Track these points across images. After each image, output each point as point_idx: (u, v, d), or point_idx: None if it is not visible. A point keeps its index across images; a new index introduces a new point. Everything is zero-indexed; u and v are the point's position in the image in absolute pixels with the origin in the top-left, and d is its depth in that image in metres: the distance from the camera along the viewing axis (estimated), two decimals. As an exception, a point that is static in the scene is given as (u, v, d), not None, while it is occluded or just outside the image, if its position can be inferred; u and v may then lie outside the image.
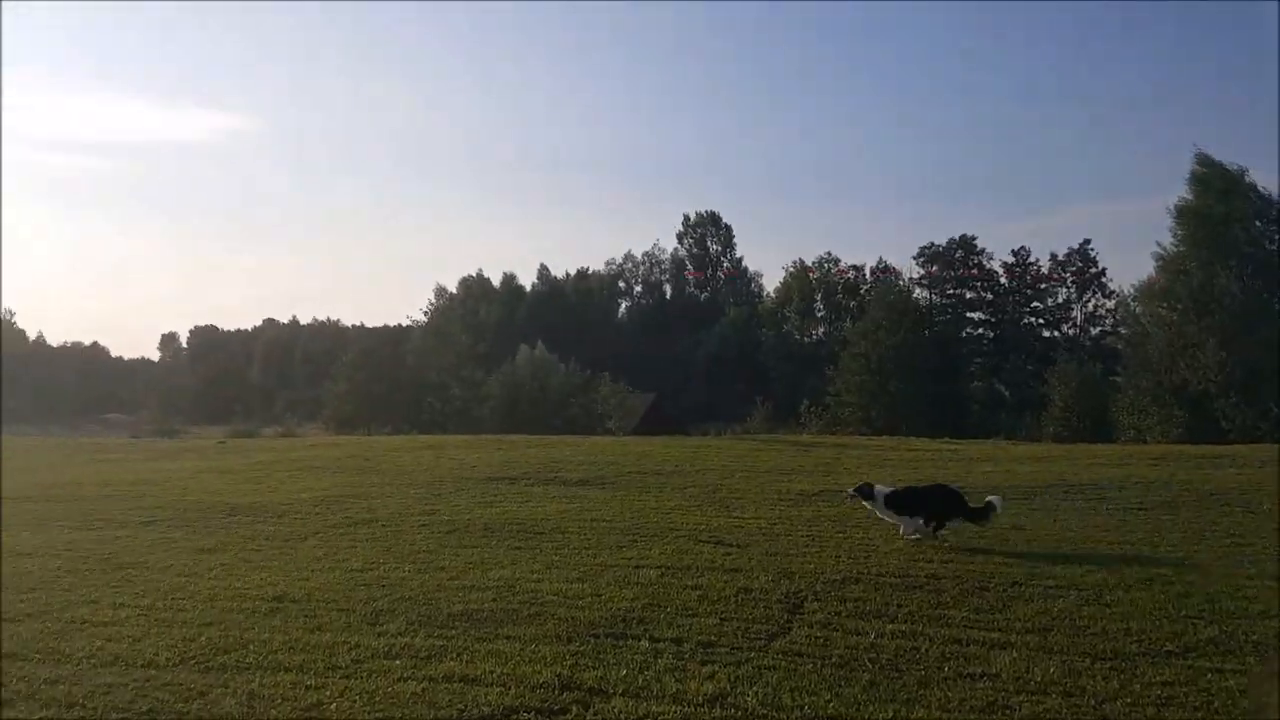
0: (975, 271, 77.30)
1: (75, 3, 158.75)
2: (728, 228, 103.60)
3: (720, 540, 10.42)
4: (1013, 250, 76.92)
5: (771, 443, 23.78)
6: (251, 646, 6.58)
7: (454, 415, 69.37)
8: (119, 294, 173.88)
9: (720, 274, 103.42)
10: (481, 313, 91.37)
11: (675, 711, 5.30)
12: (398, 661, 6.22)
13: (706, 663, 6.11)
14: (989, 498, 10.22)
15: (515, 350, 71.27)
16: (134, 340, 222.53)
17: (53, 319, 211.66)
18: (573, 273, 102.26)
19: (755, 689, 5.60)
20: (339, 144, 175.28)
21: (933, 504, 10.18)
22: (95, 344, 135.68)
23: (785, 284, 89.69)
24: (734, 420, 54.92)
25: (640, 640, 6.61)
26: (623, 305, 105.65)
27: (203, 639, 6.77)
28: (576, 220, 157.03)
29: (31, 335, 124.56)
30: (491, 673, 5.94)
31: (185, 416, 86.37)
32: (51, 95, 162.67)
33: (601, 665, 6.07)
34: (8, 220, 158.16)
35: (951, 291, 77.77)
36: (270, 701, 5.49)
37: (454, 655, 6.33)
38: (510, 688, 5.68)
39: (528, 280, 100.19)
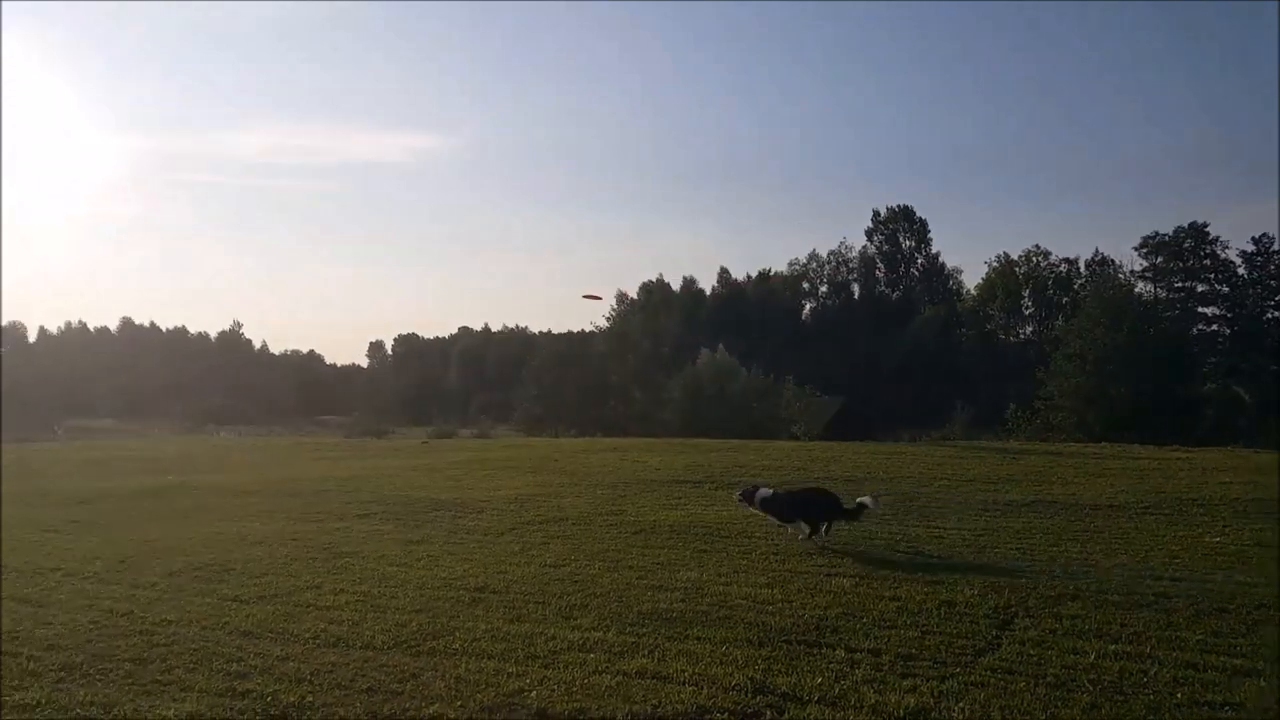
0: (1208, 262, 70.71)
1: (283, 44, 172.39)
2: (922, 222, 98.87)
3: (919, 551, 10.06)
4: (1253, 237, 70.06)
5: (974, 450, 22.60)
6: (457, 633, 6.94)
7: (636, 419, 70.49)
8: (332, 306, 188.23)
9: (914, 271, 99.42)
10: (662, 317, 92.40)
11: (874, 723, 5.17)
12: (592, 655, 6.39)
13: (907, 675, 5.91)
14: (860, 498, 10.40)
15: (696, 354, 71.52)
16: (346, 349, 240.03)
17: (274, 330, 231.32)
18: (754, 274, 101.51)
19: (961, 705, 5.37)
20: (523, 158, 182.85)
21: (810, 508, 10.42)
22: (311, 352, 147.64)
23: (988, 280, 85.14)
24: (929, 426, 52.54)
25: (835, 649, 6.48)
26: (807, 306, 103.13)
27: (413, 625, 7.20)
28: (757, 221, 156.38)
29: (256, 345, 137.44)
30: (683, 672, 6.00)
31: (391, 418, 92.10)
32: (274, 125, 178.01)
33: (795, 671, 5.99)
34: (240, 243, 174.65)
35: (1180, 285, 71.56)
36: (476, 686, 5.77)
37: (645, 652, 6.44)
38: (702, 688, 5.71)
39: (708, 284, 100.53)
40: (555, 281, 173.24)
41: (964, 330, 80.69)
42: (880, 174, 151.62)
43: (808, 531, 10.34)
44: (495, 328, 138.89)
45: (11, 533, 11.76)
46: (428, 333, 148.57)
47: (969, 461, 18.95)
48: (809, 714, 5.31)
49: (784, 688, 5.69)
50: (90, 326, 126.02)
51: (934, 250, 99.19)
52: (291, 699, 5.54)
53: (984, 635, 6.78)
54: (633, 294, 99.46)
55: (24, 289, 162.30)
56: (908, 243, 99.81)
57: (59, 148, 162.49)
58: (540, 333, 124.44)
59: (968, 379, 71.45)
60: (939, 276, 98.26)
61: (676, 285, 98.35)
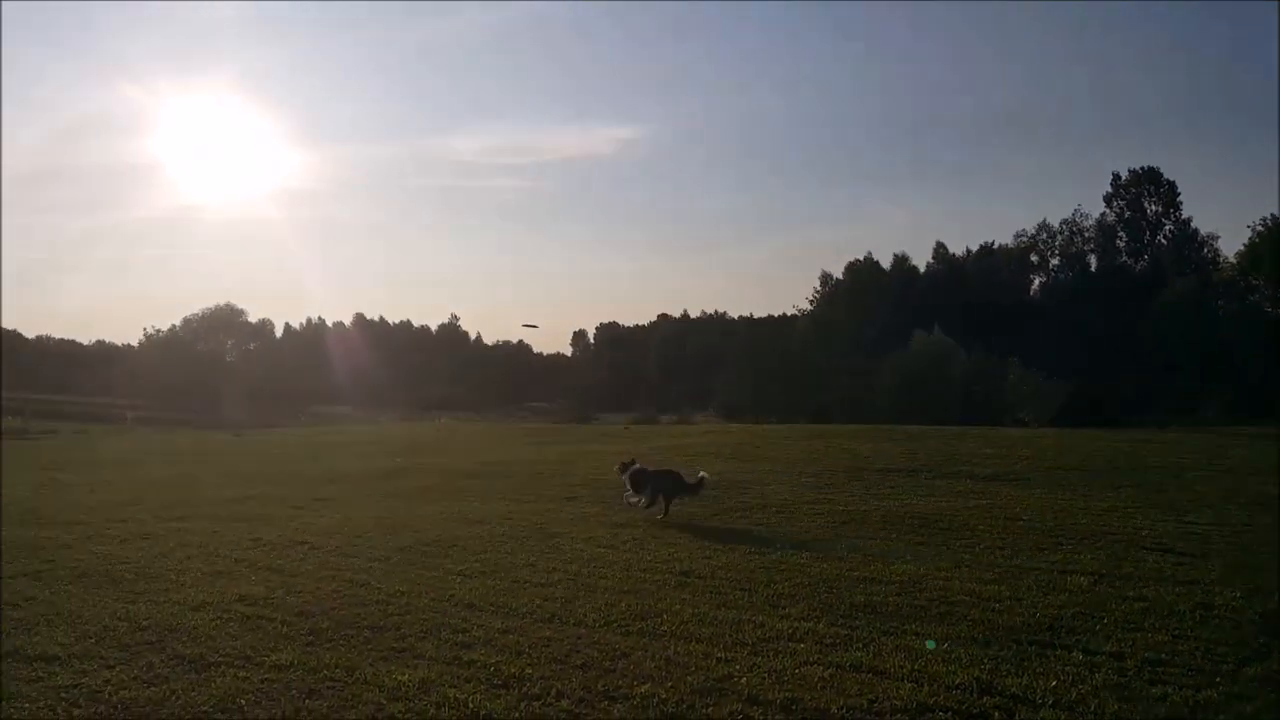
0: None
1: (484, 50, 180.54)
2: (1170, 185, 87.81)
3: (1169, 548, 9.24)
4: None
5: (1234, 436, 20.38)
6: (665, 616, 7.02)
7: (841, 404, 68.65)
8: (539, 297, 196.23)
9: (1161, 239, 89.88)
10: (871, 297, 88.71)
11: (1117, 731, 4.78)
12: (802, 645, 6.28)
13: (1156, 683, 5.44)
14: (700, 473, 12.02)
15: (909, 336, 68.62)
16: (552, 338, 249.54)
17: (489, 323, 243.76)
18: (974, 249, 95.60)
19: (1222, 718, 4.86)
20: (722, 143, 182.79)
21: (658, 483, 11.83)
22: (520, 342, 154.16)
23: (1250, 246, 75.71)
24: (1180, 411, 47.67)
25: (1071, 651, 6.05)
26: (1035, 281, 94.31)
27: (622, 605, 7.35)
28: (978, 192, 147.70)
29: (472, 337, 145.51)
30: (901, 668, 5.79)
31: (595, 404, 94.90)
32: (489, 128, 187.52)
33: (1027, 673, 5.64)
34: (458, 241, 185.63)
35: None
36: (685, 668, 5.80)
37: (859, 645, 6.26)
38: (922, 685, 5.48)
39: (921, 261, 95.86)
40: (756, 266, 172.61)
41: (1222, 304, 72.35)
42: (1119, 132, 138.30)
43: (646, 503, 11.81)
44: (694, 314, 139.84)
45: (267, 508, 12.99)
46: (628, 321, 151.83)
47: (1233, 449, 17.11)
48: (1042, 718, 4.98)
49: (1014, 689, 5.37)
50: (328, 322, 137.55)
51: (1184, 215, 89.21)
52: (513, 670, 5.77)
53: (1250, 643, 6.12)
54: (838, 274, 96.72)
55: (272, 290, 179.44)
56: (1153, 208, 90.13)
57: (294, 160, 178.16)
58: (740, 318, 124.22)
59: (1227, 358, 64.03)
60: (1191, 244, 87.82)
61: (886, 263, 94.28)
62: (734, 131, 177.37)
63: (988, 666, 5.78)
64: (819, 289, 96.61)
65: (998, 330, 69.43)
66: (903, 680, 5.57)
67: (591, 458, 19.69)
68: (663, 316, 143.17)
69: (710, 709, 5.13)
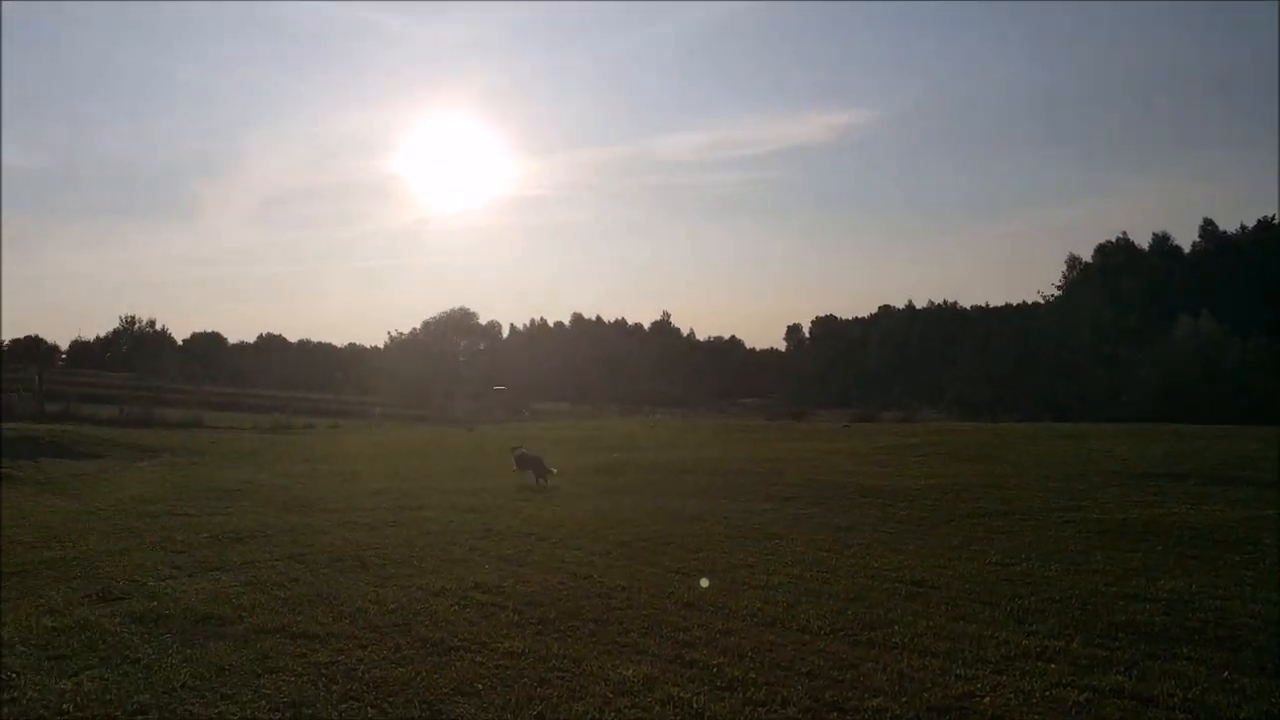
0: None
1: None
2: None
3: None
4: None
5: None
6: (896, 627, 6.65)
7: (1095, 400, 63.14)
8: (752, 291, 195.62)
9: None
10: (1125, 281, 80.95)
11: None
12: (1053, 665, 5.75)
13: None
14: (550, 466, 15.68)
15: (1171, 324, 62.24)
16: (765, 332, 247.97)
17: (701, 319, 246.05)
18: (1250, 224, 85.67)
19: None
20: (951, 121, 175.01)
21: (530, 463, 15.69)
22: (733, 338, 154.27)
23: None
24: None
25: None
26: None
27: (849, 613, 7.03)
28: (1254, 159, 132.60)
29: (684, 332, 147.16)
30: (1171, 695, 5.18)
31: (810, 400, 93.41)
32: (704, 124, 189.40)
33: None
34: (672, 238, 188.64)
35: None
36: (920, 684, 5.45)
37: (1121, 669, 5.65)
38: (1198, 716, 4.89)
39: (1186, 240, 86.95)
40: (991, 251, 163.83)
41: None
42: None
43: (534, 478, 15.31)
44: (920, 304, 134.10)
45: (496, 499, 13.60)
46: (846, 313, 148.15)
47: None
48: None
49: (1314, 730, 4.64)
50: (549, 322, 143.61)
51: None
52: (736, 674, 5.64)
53: None
54: (1086, 257, 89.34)
55: (500, 292, 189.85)
56: None
57: (520, 168, 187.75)
58: (973, 307, 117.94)
59: None
60: None
61: (1142, 243, 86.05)
62: (960, 109, 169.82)
63: (1278, 700, 5.06)
64: (1065, 273, 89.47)
65: (1282, 314, 61.33)
66: (1174, 710, 4.98)
67: (808, 457, 19.25)
68: (884, 308, 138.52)
69: (950, 730, 4.77)
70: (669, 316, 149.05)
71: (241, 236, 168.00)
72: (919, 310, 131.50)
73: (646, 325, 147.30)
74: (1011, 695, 5.23)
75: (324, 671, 5.71)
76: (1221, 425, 25.34)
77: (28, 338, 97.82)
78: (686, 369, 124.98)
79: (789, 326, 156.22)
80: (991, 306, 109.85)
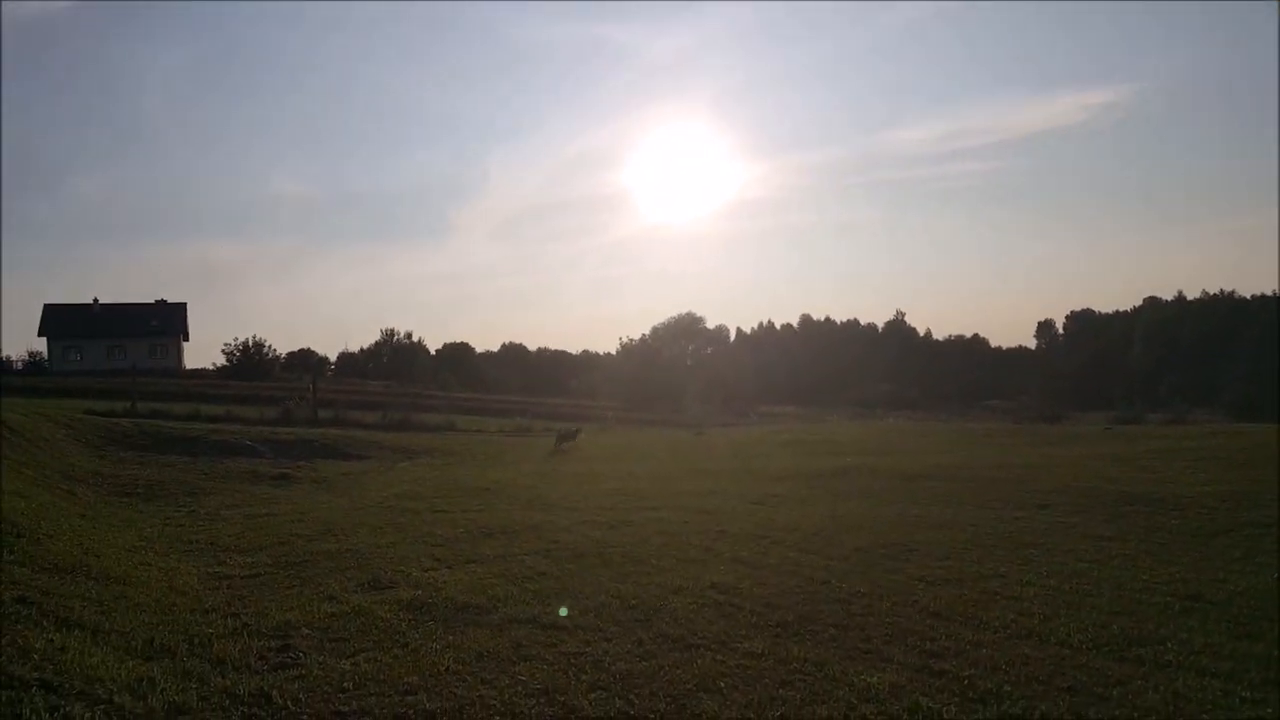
0: None
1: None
2: None
3: None
4: None
5: None
6: (1169, 643, 6.17)
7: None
8: (997, 287, 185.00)
9: None
10: None
11: None
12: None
13: None
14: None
15: None
16: (1011, 330, 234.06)
17: (940, 317, 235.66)
18: None
19: None
20: (1220, 96, 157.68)
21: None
22: (975, 336, 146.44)
23: None
24: None
25: None
26: None
27: (1114, 627, 6.59)
28: None
29: (920, 332, 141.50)
30: None
31: (1064, 402, 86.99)
32: (938, 114, 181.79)
33: None
34: (908, 234, 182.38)
35: None
36: (1199, 705, 5.04)
37: None
38: None
39: None
40: (1272, 234, 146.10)
41: None
42: None
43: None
44: (1191, 295, 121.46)
45: (728, 502, 13.71)
46: (1105, 307, 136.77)
47: None
48: None
49: None
50: (777, 325, 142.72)
51: None
52: (988, 685, 5.44)
53: None
54: None
55: (729, 297, 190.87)
56: None
57: (748, 172, 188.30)
58: (1253, 297, 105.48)
59: None
60: None
61: None
62: (1232, 80, 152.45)
63: None
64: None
65: None
66: None
67: (1065, 462, 18.00)
68: (1150, 300, 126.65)
69: (1234, 756, 4.36)
70: (903, 315, 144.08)
71: (486, 253, 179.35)
72: (1190, 301, 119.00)
73: (880, 325, 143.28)
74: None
75: (573, 661, 6.00)
76: None
77: (302, 350, 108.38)
78: (923, 370, 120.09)
79: (1040, 322, 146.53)
80: (1276, 295, 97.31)
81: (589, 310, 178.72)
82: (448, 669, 5.88)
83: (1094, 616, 6.90)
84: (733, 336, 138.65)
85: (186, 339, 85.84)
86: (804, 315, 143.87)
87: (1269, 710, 4.91)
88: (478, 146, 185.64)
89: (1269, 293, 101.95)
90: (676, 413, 59.06)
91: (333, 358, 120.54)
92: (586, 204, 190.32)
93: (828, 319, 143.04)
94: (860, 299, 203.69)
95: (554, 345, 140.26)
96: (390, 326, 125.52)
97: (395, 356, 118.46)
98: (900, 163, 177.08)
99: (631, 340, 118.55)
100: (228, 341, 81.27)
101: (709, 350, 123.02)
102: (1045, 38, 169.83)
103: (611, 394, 76.04)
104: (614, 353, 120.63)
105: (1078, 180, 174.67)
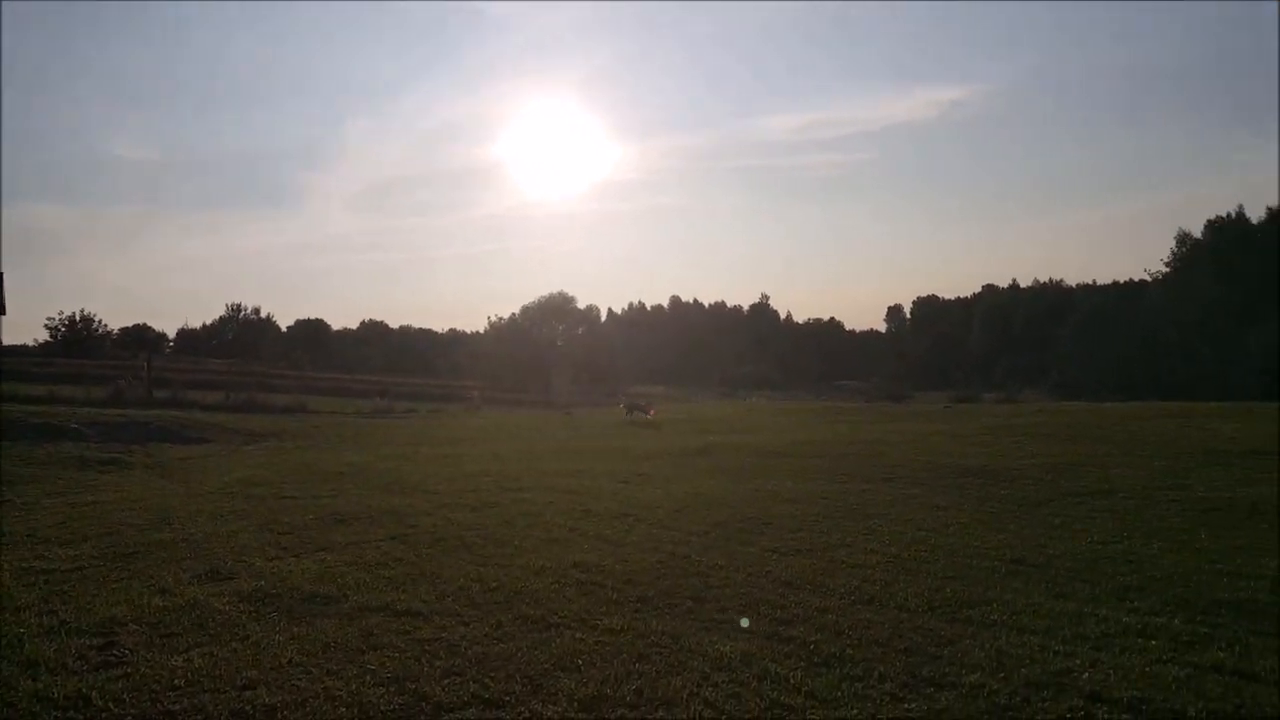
0: None
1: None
2: None
3: None
4: None
5: None
6: (995, 604, 6.65)
7: (1202, 379, 60.55)
8: (852, 273, 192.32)
9: None
10: (1237, 259, 77.01)
11: None
12: (1154, 641, 5.71)
13: None
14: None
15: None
16: (864, 314, 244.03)
17: (799, 301, 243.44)
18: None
19: None
20: (1055, 100, 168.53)
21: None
22: (832, 319, 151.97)
23: None
24: None
25: None
26: None
27: (947, 591, 7.06)
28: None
29: (782, 315, 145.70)
30: (1273, 671, 5.14)
31: (910, 382, 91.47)
32: (806, 102, 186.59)
33: None
34: (771, 220, 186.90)
35: None
36: (1018, 660, 5.46)
37: (1223, 645, 5.59)
38: (1301, 691, 4.80)
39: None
40: (1098, 228, 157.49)
41: None
42: None
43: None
44: (1024, 284, 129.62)
45: (594, 481, 13.86)
46: (948, 294, 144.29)
47: None
48: None
49: None
50: (647, 306, 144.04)
51: None
52: (832, 650, 5.74)
53: None
54: (1197, 234, 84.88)
55: (598, 277, 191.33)
56: None
57: (618, 154, 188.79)
58: (1079, 285, 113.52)
59: None
60: None
61: (1256, 219, 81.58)
62: (1070, 85, 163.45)
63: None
64: (1175, 250, 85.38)
65: None
66: (1275, 685, 4.95)
67: (908, 439, 19.03)
68: (987, 288, 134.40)
69: (1046, 704, 4.79)
70: (767, 299, 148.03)
71: (345, 224, 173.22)
72: (1023, 289, 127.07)
73: (745, 308, 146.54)
74: (1110, 671, 5.21)
75: (427, 647, 5.90)
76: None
77: (136, 326, 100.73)
78: (784, 352, 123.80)
79: (890, 308, 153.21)
80: (1098, 285, 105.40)
81: (457, 287, 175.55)
82: (291, 661, 5.67)
83: (930, 581, 7.37)
84: (604, 317, 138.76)
85: (3, 312, 79.44)
86: (673, 297, 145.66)
87: (1077, 662, 5.40)
88: (335, 110, 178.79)
89: (1091, 282, 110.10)
90: (546, 393, 58.94)
91: (172, 334, 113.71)
92: (455, 177, 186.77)
93: (696, 301, 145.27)
94: (727, 282, 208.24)
95: (418, 323, 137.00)
96: (236, 301, 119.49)
97: (242, 333, 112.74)
98: (765, 150, 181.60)
99: (501, 319, 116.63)
100: (51, 316, 75.87)
101: (580, 330, 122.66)
102: (904, 35, 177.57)
103: (480, 374, 75.03)
104: (482, 331, 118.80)
105: (927, 173, 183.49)
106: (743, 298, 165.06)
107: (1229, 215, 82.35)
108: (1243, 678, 5.07)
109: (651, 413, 27.84)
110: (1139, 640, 5.75)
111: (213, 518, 10.81)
